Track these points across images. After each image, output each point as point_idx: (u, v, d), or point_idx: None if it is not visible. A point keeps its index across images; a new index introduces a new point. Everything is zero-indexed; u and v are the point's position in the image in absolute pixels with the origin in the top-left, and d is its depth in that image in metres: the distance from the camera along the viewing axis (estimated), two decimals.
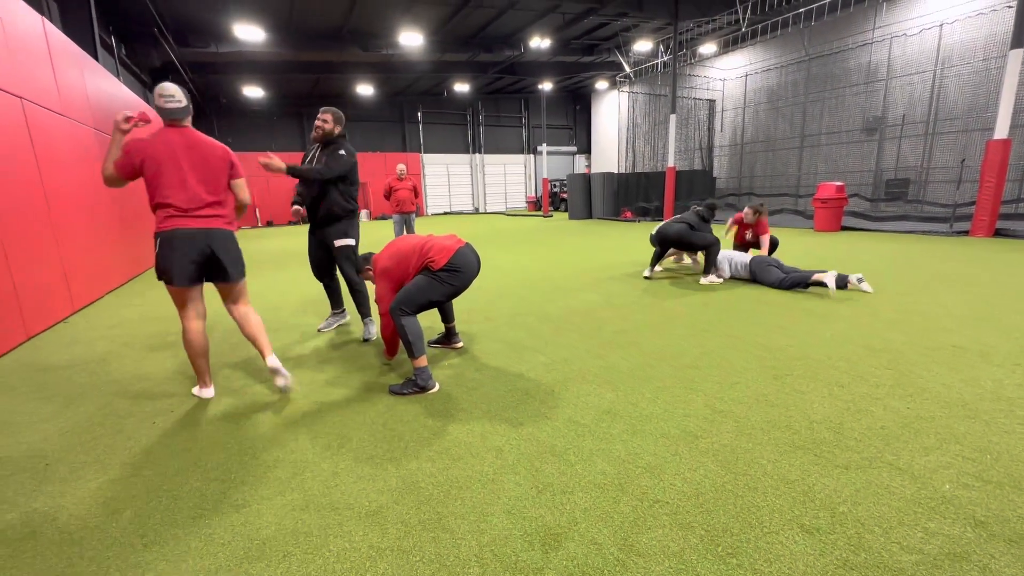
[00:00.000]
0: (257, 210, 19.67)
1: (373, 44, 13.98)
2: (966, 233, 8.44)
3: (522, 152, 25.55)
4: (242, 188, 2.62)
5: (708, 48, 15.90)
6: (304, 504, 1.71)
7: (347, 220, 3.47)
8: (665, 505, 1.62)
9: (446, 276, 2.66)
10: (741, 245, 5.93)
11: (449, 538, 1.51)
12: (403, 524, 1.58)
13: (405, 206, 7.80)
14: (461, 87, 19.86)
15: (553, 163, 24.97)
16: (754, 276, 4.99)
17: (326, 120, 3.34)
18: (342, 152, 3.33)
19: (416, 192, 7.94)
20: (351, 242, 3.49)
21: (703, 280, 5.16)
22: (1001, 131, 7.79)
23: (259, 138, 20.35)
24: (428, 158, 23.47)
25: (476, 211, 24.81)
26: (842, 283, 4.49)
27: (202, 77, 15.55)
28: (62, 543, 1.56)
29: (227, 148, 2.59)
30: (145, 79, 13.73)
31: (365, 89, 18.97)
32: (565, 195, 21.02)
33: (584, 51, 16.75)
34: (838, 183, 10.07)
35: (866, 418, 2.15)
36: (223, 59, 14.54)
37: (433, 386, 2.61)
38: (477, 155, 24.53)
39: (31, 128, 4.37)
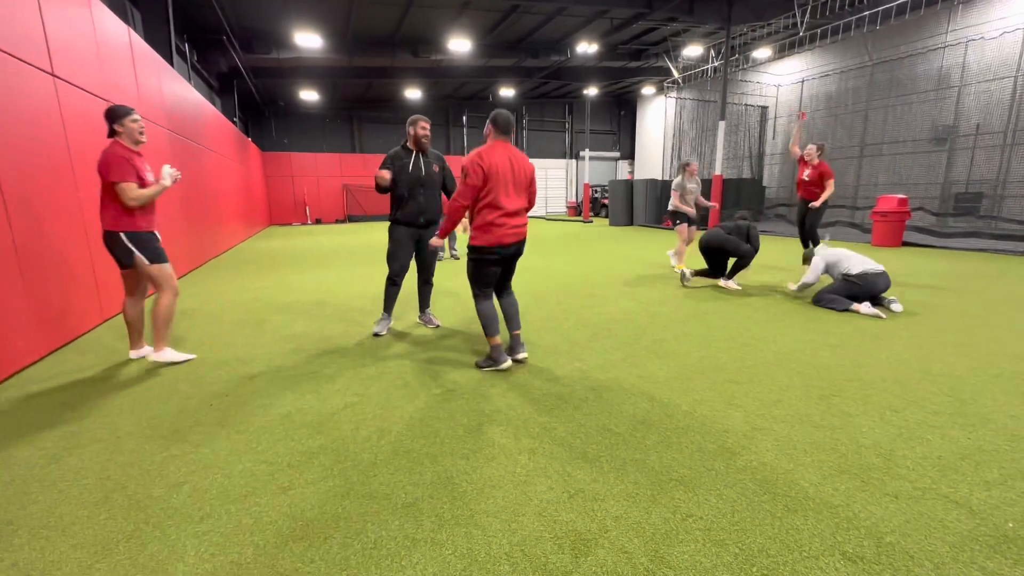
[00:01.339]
0: (308, 208, 20.58)
1: (423, 50, 14.37)
2: None
3: (564, 157, 25.48)
4: (121, 191, 2.96)
5: (762, 53, 15.35)
6: (345, 491, 1.79)
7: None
8: (698, 520, 1.60)
9: (486, 255, 2.94)
10: (799, 186, 6.10)
11: (481, 535, 1.55)
12: (437, 517, 1.64)
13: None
14: (506, 91, 20.05)
15: (595, 168, 24.75)
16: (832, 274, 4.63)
17: (429, 129, 3.84)
18: (448, 167, 3.92)
19: None
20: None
21: (722, 283, 5.33)
22: None
23: (313, 139, 21.32)
24: None
25: None
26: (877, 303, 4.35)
27: (263, 81, 16.46)
28: (130, 508, 1.71)
29: (104, 160, 2.92)
30: (212, 83, 14.68)
31: (413, 93, 19.49)
32: (606, 201, 20.79)
33: (631, 56, 16.54)
34: (900, 195, 9.48)
35: (921, 446, 2.03)
36: (283, 64, 15.33)
37: (505, 360, 2.97)
38: None
39: None
